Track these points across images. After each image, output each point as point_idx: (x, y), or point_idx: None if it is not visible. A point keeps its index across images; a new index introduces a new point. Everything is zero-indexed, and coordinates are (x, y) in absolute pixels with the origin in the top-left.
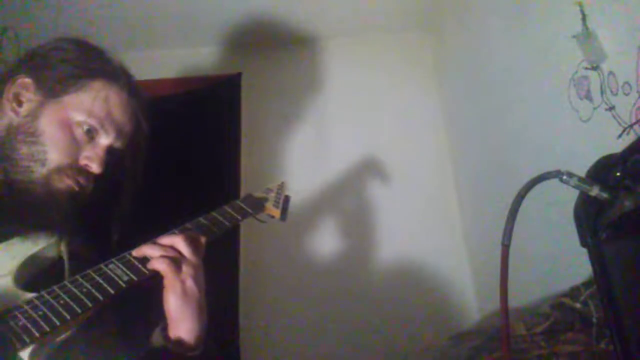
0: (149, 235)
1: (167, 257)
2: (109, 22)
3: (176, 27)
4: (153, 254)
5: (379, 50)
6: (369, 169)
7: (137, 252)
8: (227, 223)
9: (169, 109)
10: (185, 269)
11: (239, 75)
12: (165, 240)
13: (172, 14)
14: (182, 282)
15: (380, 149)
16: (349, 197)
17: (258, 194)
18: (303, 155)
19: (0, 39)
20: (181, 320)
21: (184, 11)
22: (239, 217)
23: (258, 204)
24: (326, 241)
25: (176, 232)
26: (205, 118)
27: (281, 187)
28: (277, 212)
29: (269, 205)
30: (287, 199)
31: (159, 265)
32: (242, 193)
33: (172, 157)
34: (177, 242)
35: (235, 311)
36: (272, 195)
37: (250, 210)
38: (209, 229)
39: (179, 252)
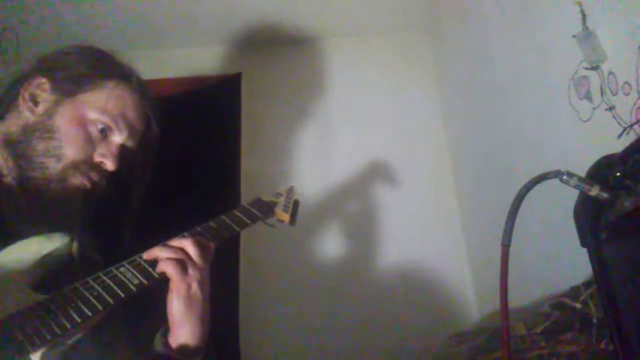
0: (149, 234)
1: (175, 259)
2: (109, 22)
3: (176, 27)
4: (162, 256)
5: (378, 50)
6: (368, 168)
7: (147, 255)
8: (236, 227)
9: (168, 109)
10: (192, 272)
11: (239, 75)
12: (175, 242)
13: (173, 14)
14: (188, 286)
15: (379, 149)
16: (348, 197)
17: (267, 197)
18: (302, 155)
19: (0, 39)
20: (183, 324)
21: (184, 11)
22: (249, 222)
23: (268, 208)
24: (326, 241)
25: (186, 234)
26: (205, 118)
27: (290, 191)
28: (286, 217)
29: (279, 209)
30: (296, 203)
31: (167, 267)
32: (242, 193)
33: (172, 157)
34: (186, 245)
35: (235, 311)
36: (282, 199)
37: (260, 215)
38: (218, 233)
39: (188, 255)
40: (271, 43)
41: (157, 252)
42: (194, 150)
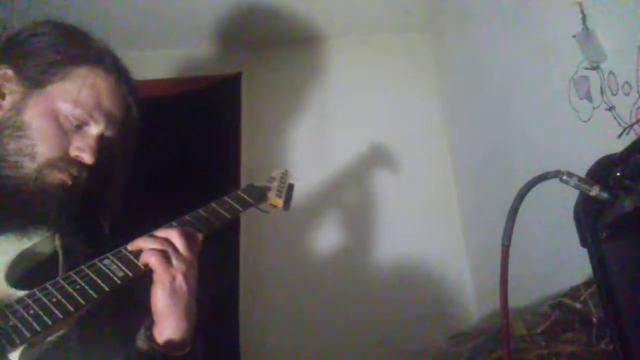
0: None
1: (159, 250)
2: (109, 22)
3: (176, 27)
4: (146, 246)
5: (379, 50)
6: (369, 169)
7: (132, 246)
8: (227, 215)
9: (169, 109)
10: (176, 264)
11: (239, 75)
12: (160, 232)
13: (172, 14)
14: (172, 278)
15: (380, 149)
16: (349, 198)
17: (260, 183)
18: (303, 155)
19: (0, 39)
20: (167, 317)
21: (184, 11)
22: (240, 208)
23: (260, 194)
24: (327, 241)
25: (174, 224)
26: (206, 118)
27: (284, 175)
28: (279, 202)
29: (272, 194)
30: (290, 187)
31: (150, 258)
32: None
33: (173, 158)
34: (172, 235)
35: (235, 311)
36: (275, 184)
37: (251, 201)
38: (208, 221)
39: (172, 246)
40: (271, 43)
41: (141, 242)
42: (194, 150)
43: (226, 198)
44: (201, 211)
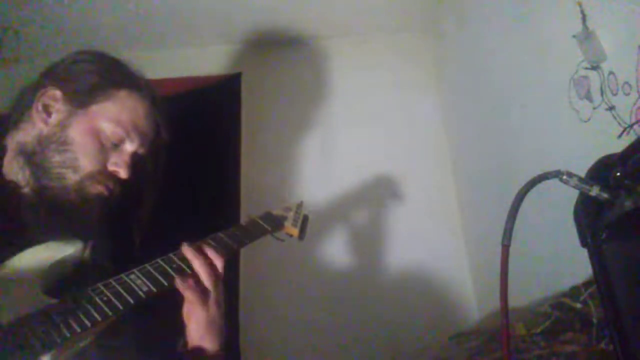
0: (150, 238)
1: (196, 288)
2: (109, 22)
3: (176, 27)
4: (194, 264)
5: (379, 50)
6: (368, 169)
7: (182, 251)
8: (246, 240)
9: (168, 109)
10: (213, 295)
11: (239, 75)
12: (211, 252)
13: (173, 14)
14: (207, 310)
15: (380, 150)
16: (347, 197)
17: (277, 211)
18: (302, 154)
19: (1, 39)
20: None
21: (184, 11)
22: (258, 234)
23: (277, 222)
24: (326, 241)
25: (213, 243)
26: (205, 118)
27: (300, 206)
28: (295, 231)
29: (288, 224)
30: (305, 218)
31: (187, 291)
32: (242, 193)
33: (172, 157)
34: (218, 262)
35: (235, 311)
36: (291, 214)
37: (269, 228)
38: (228, 245)
39: (214, 274)
40: (271, 43)
41: (189, 254)
42: (193, 151)
43: (246, 224)
44: (222, 235)
